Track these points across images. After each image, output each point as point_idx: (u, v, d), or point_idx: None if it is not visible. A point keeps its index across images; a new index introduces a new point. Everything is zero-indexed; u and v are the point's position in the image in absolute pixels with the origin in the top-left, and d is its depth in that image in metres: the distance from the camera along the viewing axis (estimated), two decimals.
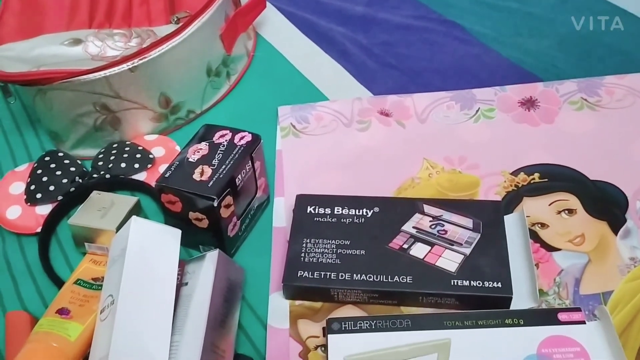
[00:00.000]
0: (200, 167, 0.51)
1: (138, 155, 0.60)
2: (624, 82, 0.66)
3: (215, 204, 0.48)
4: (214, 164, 0.51)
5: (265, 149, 0.61)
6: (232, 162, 0.51)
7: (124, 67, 0.58)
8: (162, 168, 0.60)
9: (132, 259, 0.44)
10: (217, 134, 0.54)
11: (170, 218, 0.52)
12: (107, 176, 0.59)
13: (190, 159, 0.52)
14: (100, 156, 0.61)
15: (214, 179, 0.50)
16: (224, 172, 0.50)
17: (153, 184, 0.58)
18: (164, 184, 0.50)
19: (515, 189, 0.57)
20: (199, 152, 0.52)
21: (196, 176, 0.50)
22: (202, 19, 0.63)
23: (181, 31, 0.61)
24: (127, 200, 0.55)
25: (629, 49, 0.71)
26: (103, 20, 0.65)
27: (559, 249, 0.52)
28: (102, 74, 0.58)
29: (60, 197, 0.57)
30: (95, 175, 0.59)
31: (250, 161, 0.53)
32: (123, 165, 0.59)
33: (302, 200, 0.55)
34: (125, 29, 0.64)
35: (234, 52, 0.70)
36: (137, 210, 0.55)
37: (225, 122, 0.67)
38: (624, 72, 0.67)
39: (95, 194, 0.55)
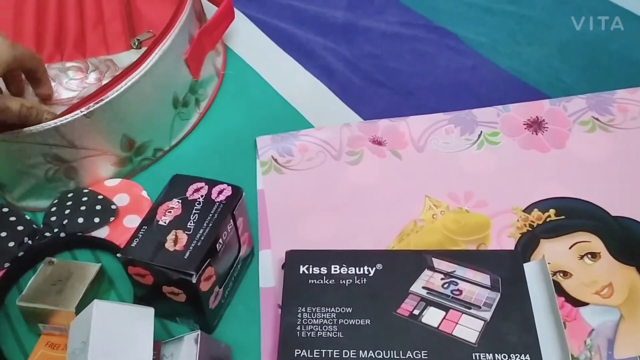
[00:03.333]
0: (174, 232, 0.43)
1: (98, 207, 0.52)
2: (637, 97, 0.60)
3: (194, 280, 0.41)
4: (190, 228, 0.43)
5: (244, 184, 0.52)
6: (211, 225, 0.43)
7: (78, 113, 0.49)
8: (127, 220, 0.52)
9: (96, 354, 0.37)
10: (191, 188, 0.46)
11: (141, 289, 0.45)
12: (62, 234, 0.50)
13: (160, 222, 0.44)
14: (54, 209, 0.52)
15: (191, 248, 0.42)
16: (203, 238, 0.42)
17: (118, 242, 0.50)
18: (131, 257, 0.42)
19: (530, 229, 0.51)
20: (170, 212, 0.44)
21: (169, 245, 0.42)
22: (165, 44, 0.54)
23: (141, 63, 0.52)
24: (87, 269, 0.47)
25: (637, 57, 0.65)
26: (53, 51, 0.56)
27: (586, 303, 0.46)
28: (51, 124, 0.49)
29: (7, 265, 0.49)
30: (47, 234, 0.50)
31: (232, 220, 0.45)
32: (80, 220, 0.51)
33: (293, 258, 0.48)
34: (79, 60, 0.55)
35: (202, 75, 0.62)
36: (100, 280, 0.47)
37: (198, 156, 0.60)
38: (635, 83, 0.61)
39: (48, 264, 0.47)
